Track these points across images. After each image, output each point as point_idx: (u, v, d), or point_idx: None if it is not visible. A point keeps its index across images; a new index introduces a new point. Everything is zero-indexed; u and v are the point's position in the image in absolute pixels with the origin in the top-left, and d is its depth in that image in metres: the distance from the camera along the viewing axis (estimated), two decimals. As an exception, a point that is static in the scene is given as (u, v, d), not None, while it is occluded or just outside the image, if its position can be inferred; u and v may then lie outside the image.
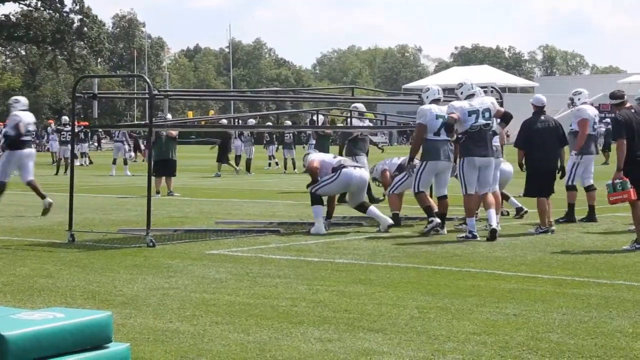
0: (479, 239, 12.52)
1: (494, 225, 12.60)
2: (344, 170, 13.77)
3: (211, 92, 47.11)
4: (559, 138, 13.90)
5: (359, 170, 14.00)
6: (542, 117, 13.98)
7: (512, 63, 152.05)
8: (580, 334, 6.75)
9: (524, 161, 13.80)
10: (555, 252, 11.35)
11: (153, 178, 20.42)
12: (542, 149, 13.69)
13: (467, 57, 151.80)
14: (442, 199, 13.58)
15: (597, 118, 15.47)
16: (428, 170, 13.41)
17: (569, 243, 12.20)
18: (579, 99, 15.31)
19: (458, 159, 13.20)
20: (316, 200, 13.73)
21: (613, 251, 11.38)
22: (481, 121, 13.03)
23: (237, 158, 36.13)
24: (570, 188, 15.08)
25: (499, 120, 13.72)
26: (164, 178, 21.30)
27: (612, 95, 11.99)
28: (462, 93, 13.34)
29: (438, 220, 13.21)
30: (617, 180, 11.44)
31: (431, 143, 13.41)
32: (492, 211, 12.82)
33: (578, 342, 6.52)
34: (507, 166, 15.28)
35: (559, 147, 13.92)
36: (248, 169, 34.50)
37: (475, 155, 12.95)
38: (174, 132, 21.49)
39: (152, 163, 13.20)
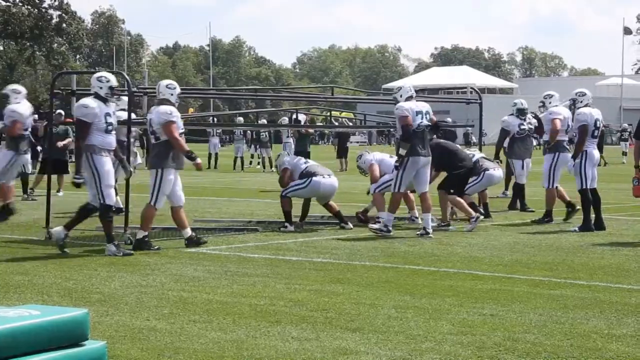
0: (392, 234, 12.94)
1: (430, 231, 12.89)
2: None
3: (190, 89, 47.00)
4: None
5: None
6: None
7: (492, 64, 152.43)
8: (557, 335, 6.78)
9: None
10: (532, 253, 11.39)
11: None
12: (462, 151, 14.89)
13: (446, 57, 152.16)
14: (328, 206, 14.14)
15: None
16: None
17: (546, 244, 12.24)
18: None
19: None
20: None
21: (590, 252, 11.43)
22: (424, 122, 13.32)
23: (215, 156, 36.08)
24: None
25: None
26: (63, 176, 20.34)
27: None
28: (401, 96, 13.52)
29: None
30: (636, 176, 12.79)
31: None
32: (429, 216, 13.06)
33: (554, 342, 6.55)
34: (498, 172, 15.76)
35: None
36: (242, 166, 34.89)
37: (420, 155, 13.21)
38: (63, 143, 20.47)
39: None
